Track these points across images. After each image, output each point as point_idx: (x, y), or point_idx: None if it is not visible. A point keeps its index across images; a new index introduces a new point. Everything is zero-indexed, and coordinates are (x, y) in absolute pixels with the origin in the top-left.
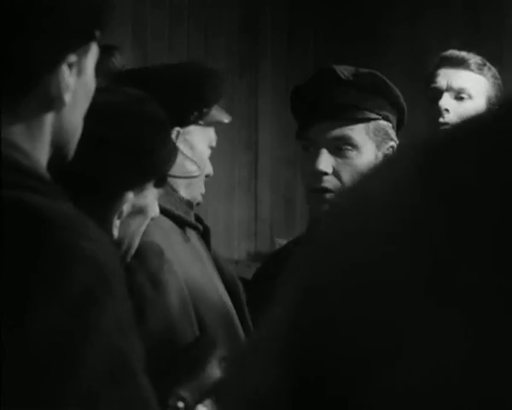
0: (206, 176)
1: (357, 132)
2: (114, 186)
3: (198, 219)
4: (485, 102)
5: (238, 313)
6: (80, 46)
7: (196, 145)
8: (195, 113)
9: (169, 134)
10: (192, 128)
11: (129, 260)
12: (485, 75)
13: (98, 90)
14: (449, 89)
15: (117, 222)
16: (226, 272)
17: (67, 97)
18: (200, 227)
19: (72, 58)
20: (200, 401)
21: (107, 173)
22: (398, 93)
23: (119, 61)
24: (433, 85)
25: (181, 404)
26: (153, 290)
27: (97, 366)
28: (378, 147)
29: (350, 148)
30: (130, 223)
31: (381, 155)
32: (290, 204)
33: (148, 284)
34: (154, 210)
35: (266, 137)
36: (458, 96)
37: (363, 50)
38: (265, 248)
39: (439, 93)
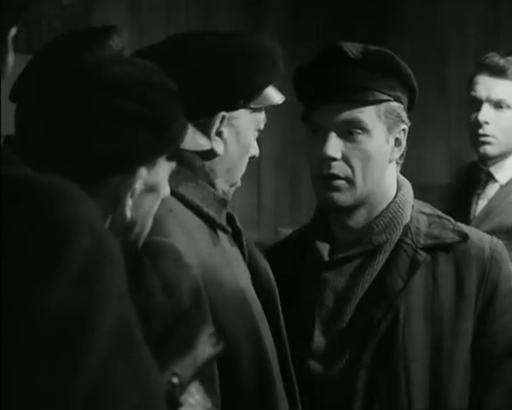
0: (251, 158)
1: (368, 115)
2: (127, 161)
3: (231, 218)
4: None
5: (272, 319)
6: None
7: (242, 131)
8: (242, 101)
9: (181, 106)
10: (239, 112)
11: (140, 244)
12: None
13: (106, 62)
14: (488, 100)
15: (129, 201)
16: (264, 277)
17: None
18: (230, 230)
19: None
20: (193, 377)
21: (120, 147)
22: (410, 72)
23: (118, 42)
24: (473, 94)
25: (175, 379)
26: (163, 295)
27: (108, 336)
28: (389, 130)
29: (360, 131)
30: (142, 202)
31: (392, 139)
32: (296, 191)
33: (160, 288)
34: (166, 188)
35: (271, 119)
36: (498, 106)
37: (374, 28)
38: (269, 239)
39: (478, 102)
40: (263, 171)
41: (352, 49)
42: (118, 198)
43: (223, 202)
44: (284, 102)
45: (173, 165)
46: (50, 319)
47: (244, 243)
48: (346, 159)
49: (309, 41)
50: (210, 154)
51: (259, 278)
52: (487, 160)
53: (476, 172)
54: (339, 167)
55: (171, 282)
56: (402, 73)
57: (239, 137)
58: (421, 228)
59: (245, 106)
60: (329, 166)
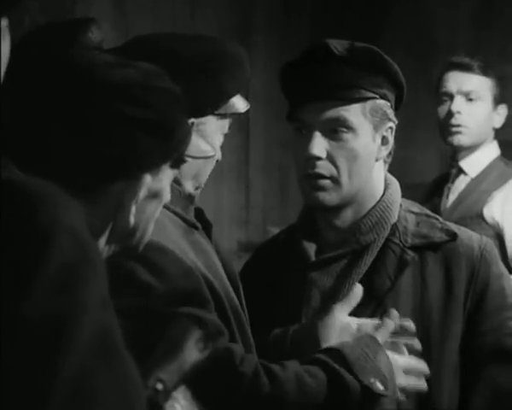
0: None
1: (353, 113)
2: (130, 167)
3: (199, 213)
4: (492, 100)
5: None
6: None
7: (209, 136)
8: (210, 108)
9: (185, 110)
10: (207, 118)
11: (141, 249)
12: (489, 76)
13: (110, 65)
14: (459, 92)
15: (133, 208)
16: (229, 269)
17: None
18: (199, 226)
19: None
20: (178, 383)
21: (127, 153)
22: (397, 69)
23: (97, 34)
24: (443, 90)
25: (160, 386)
26: (157, 282)
27: (86, 344)
28: (376, 128)
29: (345, 130)
30: (145, 209)
31: (379, 137)
32: (284, 190)
33: (154, 279)
34: (168, 195)
35: (259, 118)
36: (468, 98)
37: (365, 25)
38: (258, 238)
39: (449, 96)
40: (251, 170)
41: (338, 46)
42: (120, 205)
43: (189, 198)
44: (273, 102)
45: (176, 172)
46: (30, 323)
47: (212, 235)
48: (331, 158)
49: (298, 38)
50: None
51: (226, 271)
52: (459, 151)
53: (448, 168)
54: (324, 167)
55: (162, 268)
56: (389, 71)
57: (206, 141)
58: (409, 227)
59: (213, 112)
60: (314, 166)
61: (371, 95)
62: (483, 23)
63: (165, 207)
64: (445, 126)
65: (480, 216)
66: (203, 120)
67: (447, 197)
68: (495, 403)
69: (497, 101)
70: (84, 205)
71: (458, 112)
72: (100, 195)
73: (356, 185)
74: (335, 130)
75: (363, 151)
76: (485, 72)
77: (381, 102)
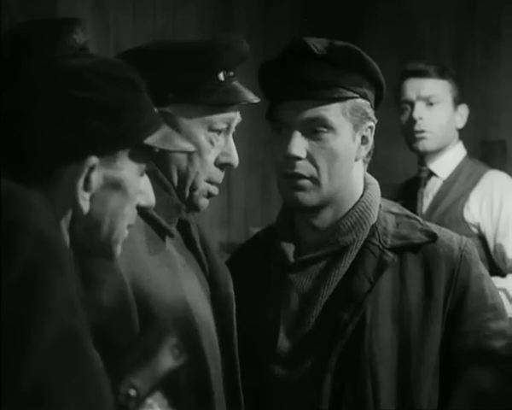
0: (226, 165)
1: (333, 113)
2: (78, 149)
3: (186, 226)
4: (452, 102)
5: (223, 326)
6: None
7: (188, 129)
8: (172, 95)
9: (144, 99)
10: (188, 110)
11: (118, 249)
12: (446, 78)
13: (72, 55)
14: (419, 98)
15: (85, 194)
16: (222, 290)
17: None
18: (173, 234)
19: None
20: (152, 389)
21: (76, 135)
22: (377, 68)
23: (81, 36)
24: (403, 98)
25: (132, 392)
26: (84, 289)
27: (49, 349)
28: (356, 128)
29: (325, 130)
30: (106, 199)
31: (358, 137)
32: (266, 190)
33: (80, 283)
34: (144, 194)
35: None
36: (429, 102)
37: (347, 22)
38: (239, 239)
39: (409, 104)
40: (233, 171)
41: (317, 44)
42: (74, 190)
43: (177, 208)
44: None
45: (143, 166)
46: None
47: (199, 250)
48: (310, 158)
49: (279, 34)
50: (160, 155)
51: (217, 291)
52: (426, 155)
53: (417, 173)
54: (303, 167)
55: (94, 277)
56: (368, 70)
57: (186, 136)
58: (389, 228)
59: (178, 101)
60: (294, 166)
61: (351, 94)
62: (466, 20)
63: (145, 212)
64: (409, 133)
65: (460, 219)
66: (182, 112)
67: (421, 202)
68: (475, 406)
69: (457, 101)
70: (42, 192)
71: (420, 118)
72: (55, 180)
73: (336, 185)
74: (315, 130)
75: (343, 151)
76: (441, 75)
77: (361, 101)
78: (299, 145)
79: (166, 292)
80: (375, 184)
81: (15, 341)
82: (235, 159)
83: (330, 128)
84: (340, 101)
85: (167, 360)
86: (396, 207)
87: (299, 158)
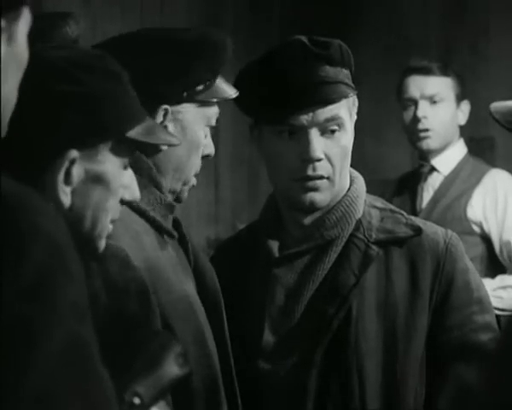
0: (206, 156)
1: (344, 110)
2: (61, 143)
3: (177, 224)
4: (455, 99)
5: (216, 329)
6: (10, 10)
7: (188, 125)
8: (185, 92)
9: (126, 91)
10: (184, 106)
11: (101, 244)
12: (449, 75)
13: (55, 48)
14: (422, 97)
15: (65, 188)
16: (210, 286)
17: None
18: (176, 235)
19: (2, 23)
20: (156, 398)
21: (55, 129)
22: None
23: (74, 29)
24: (406, 96)
25: (137, 400)
26: (108, 298)
27: (56, 355)
28: (352, 123)
29: (338, 128)
30: (88, 193)
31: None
32: (253, 186)
33: (104, 291)
34: (128, 188)
35: (227, 111)
36: (432, 101)
37: (335, 22)
38: (226, 234)
39: (413, 102)
40: (220, 166)
41: (313, 43)
42: (55, 183)
43: (169, 207)
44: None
45: (126, 161)
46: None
47: (190, 249)
48: (328, 157)
49: (267, 33)
50: (153, 149)
51: (204, 286)
52: (428, 154)
53: (417, 168)
54: (323, 167)
55: (117, 285)
56: (352, 64)
57: (185, 132)
58: (374, 222)
59: (191, 99)
60: (315, 168)
61: (352, 90)
62: (455, 19)
63: (143, 211)
64: (413, 132)
65: (463, 217)
66: (180, 108)
67: (421, 196)
68: (461, 400)
69: (460, 98)
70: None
71: (424, 117)
72: (39, 174)
73: (343, 183)
74: (331, 129)
75: (350, 147)
76: (444, 72)
77: (354, 96)
78: (318, 147)
79: (177, 297)
80: (360, 179)
81: (24, 345)
82: (213, 149)
83: (341, 126)
84: (348, 97)
85: (172, 368)
86: (380, 202)
87: (319, 160)
